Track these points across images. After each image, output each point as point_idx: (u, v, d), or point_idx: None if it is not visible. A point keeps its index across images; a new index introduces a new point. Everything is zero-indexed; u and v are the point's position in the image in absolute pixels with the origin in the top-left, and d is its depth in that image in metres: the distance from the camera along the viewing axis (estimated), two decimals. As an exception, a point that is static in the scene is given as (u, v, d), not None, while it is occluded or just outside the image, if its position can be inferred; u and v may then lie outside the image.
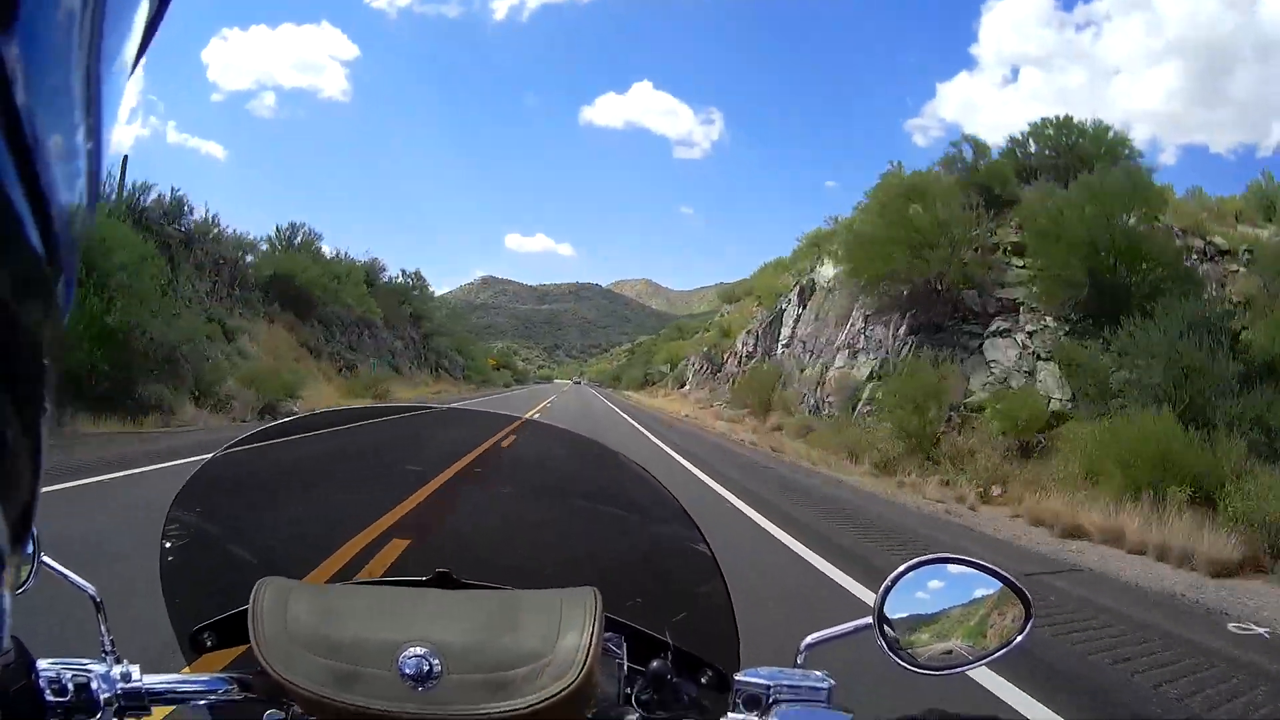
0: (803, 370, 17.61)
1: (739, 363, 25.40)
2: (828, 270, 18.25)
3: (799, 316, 19.83)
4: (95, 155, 0.22)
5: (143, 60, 0.25)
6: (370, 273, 29.01)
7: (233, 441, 1.09)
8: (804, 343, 18.65)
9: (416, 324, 33.97)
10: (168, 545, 0.96)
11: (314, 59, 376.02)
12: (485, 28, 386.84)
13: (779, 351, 20.75)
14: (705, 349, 33.63)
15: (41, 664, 0.72)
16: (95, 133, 0.22)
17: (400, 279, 33.62)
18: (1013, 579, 0.76)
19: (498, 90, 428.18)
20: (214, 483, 1.06)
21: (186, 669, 0.86)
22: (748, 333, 25.74)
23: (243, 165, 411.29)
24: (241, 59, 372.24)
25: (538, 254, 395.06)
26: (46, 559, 0.80)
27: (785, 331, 20.75)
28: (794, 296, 20.67)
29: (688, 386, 33.27)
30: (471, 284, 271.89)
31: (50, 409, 0.21)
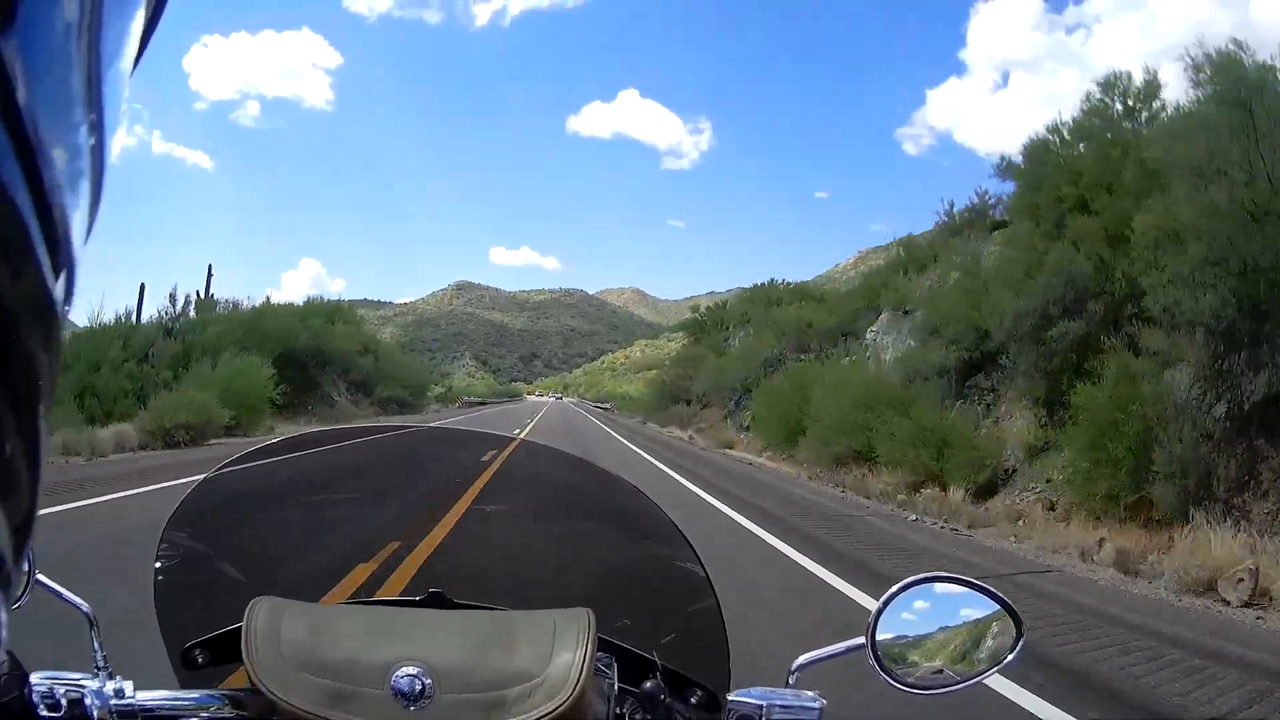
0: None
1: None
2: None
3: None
4: (98, 154, 0.23)
5: (143, 59, 0.26)
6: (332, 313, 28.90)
7: (226, 461, 1.12)
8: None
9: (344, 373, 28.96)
10: (160, 565, 0.99)
11: (296, 66, 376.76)
12: (467, 34, 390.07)
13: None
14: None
15: (35, 678, 0.75)
16: (97, 131, 0.22)
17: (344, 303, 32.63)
18: (1004, 598, 0.79)
19: (481, 99, 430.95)
20: (207, 503, 1.09)
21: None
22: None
23: (230, 175, 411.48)
24: (224, 67, 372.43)
25: (522, 267, 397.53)
26: (40, 576, 0.83)
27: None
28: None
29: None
30: (445, 290, 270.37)
31: (49, 413, 0.22)
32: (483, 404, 63.70)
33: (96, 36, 0.22)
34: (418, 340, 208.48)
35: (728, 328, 34.30)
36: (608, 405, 64.08)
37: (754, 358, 23.21)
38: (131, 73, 0.25)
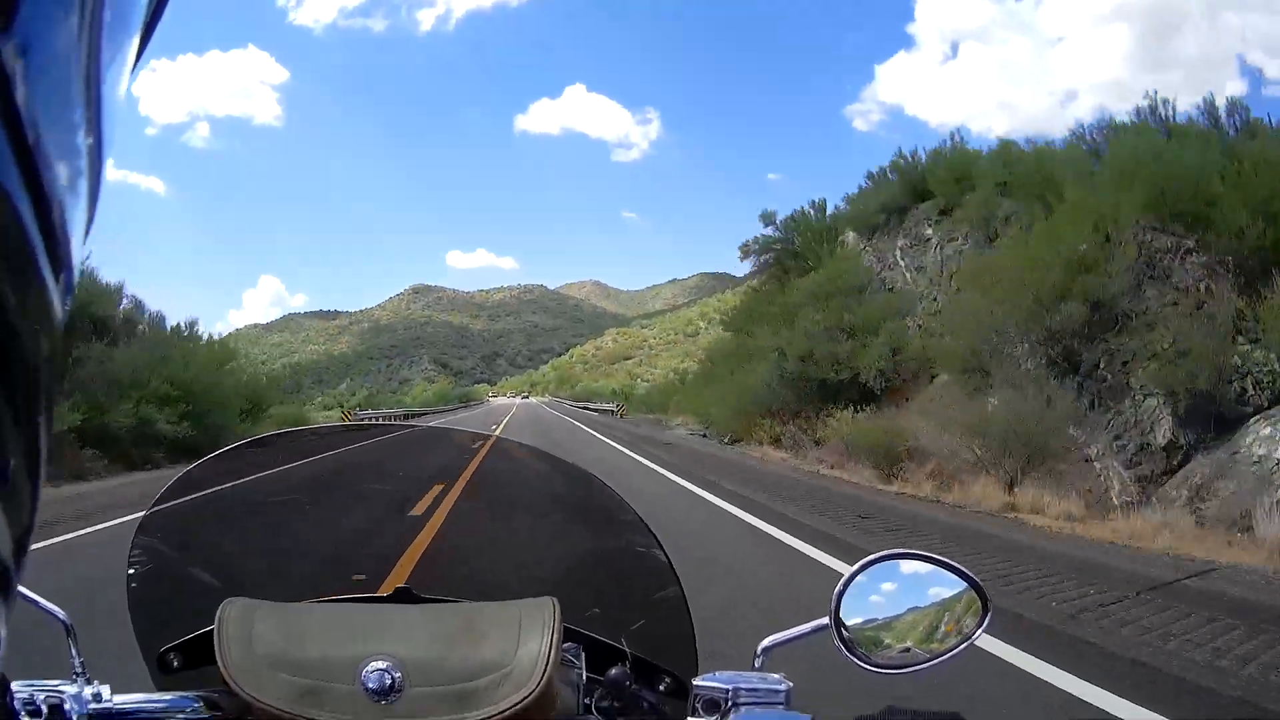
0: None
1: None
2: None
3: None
4: (96, 154, 0.23)
5: (143, 59, 0.26)
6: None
7: (195, 464, 1.13)
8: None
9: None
10: (133, 570, 1.01)
11: (244, 85, 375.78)
12: (413, 41, 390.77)
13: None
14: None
15: (15, 685, 0.77)
16: (96, 131, 0.22)
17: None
18: (968, 573, 0.81)
19: (430, 105, 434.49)
20: (179, 506, 1.10)
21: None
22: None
23: (184, 199, 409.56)
24: (171, 90, 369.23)
25: (480, 269, 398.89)
26: (19, 587, 0.73)
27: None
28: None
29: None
30: (401, 295, 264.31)
31: (50, 416, 0.22)
32: (402, 421, 33.30)
33: (96, 37, 0.22)
34: (374, 348, 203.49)
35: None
36: (613, 408, 42.05)
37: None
38: (132, 72, 0.25)
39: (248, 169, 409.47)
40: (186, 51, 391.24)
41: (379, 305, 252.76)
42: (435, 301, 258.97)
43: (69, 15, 0.21)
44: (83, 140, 0.22)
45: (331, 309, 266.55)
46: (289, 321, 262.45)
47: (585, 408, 50.04)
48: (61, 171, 0.21)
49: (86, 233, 0.23)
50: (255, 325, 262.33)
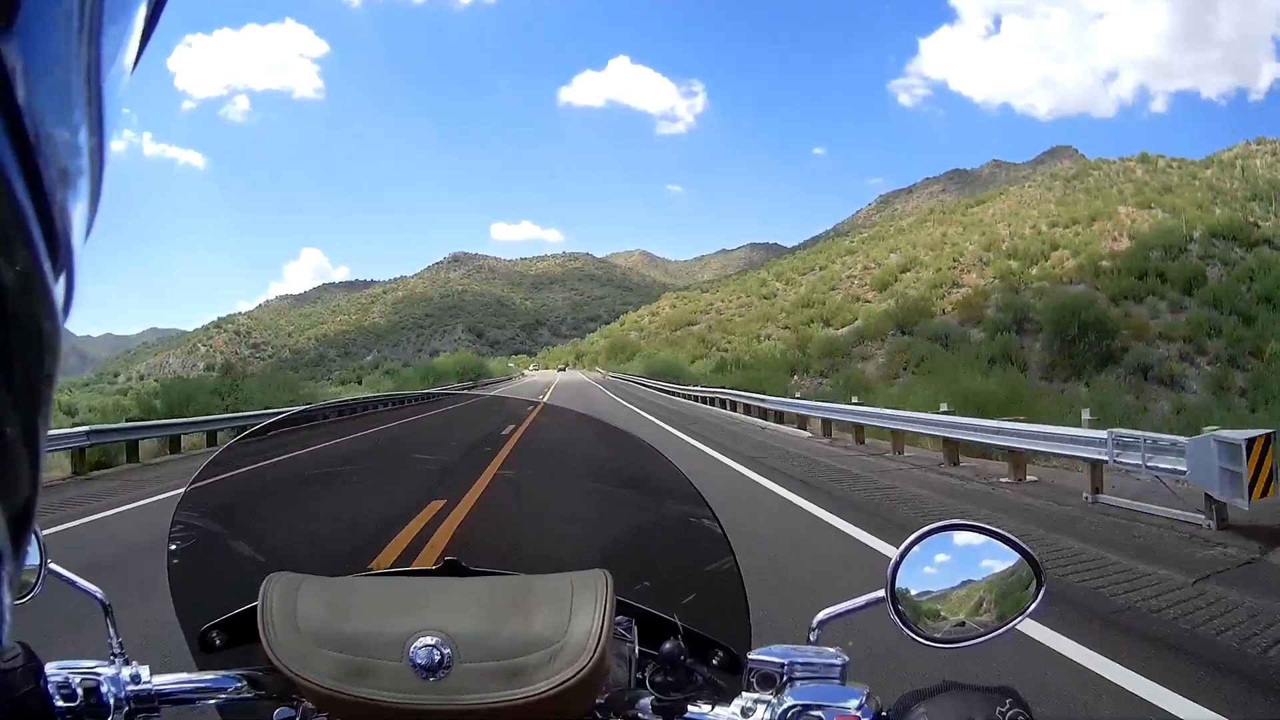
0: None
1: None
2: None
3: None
4: (97, 153, 0.23)
5: (143, 58, 0.26)
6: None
7: (237, 438, 1.15)
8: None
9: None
10: (174, 547, 1.01)
11: (283, 58, 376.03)
12: (452, 12, 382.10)
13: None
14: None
15: (50, 668, 0.77)
16: (97, 130, 0.23)
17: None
18: (1024, 545, 0.80)
19: (471, 77, 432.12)
20: (221, 480, 1.11)
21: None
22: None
23: (224, 172, 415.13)
24: (209, 64, 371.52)
25: (524, 242, 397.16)
26: (53, 565, 0.86)
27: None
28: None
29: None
30: (440, 264, 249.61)
31: (49, 406, 0.22)
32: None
33: (96, 36, 0.22)
34: (408, 318, 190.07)
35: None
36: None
37: None
38: (131, 72, 0.25)
39: (288, 142, 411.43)
40: (223, 26, 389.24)
41: (416, 275, 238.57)
42: (475, 270, 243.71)
43: (69, 14, 0.21)
44: (84, 139, 0.22)
45: (367, 278, 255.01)
46: (322, 292, 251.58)
47: (691, 398, 26.02)
48: (63, 169, 0.21)
49: (88, 231, 0.23)
50: (286, 297, 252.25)
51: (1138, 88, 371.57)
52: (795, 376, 30.37)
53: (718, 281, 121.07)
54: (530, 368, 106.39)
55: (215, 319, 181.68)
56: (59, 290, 0.22)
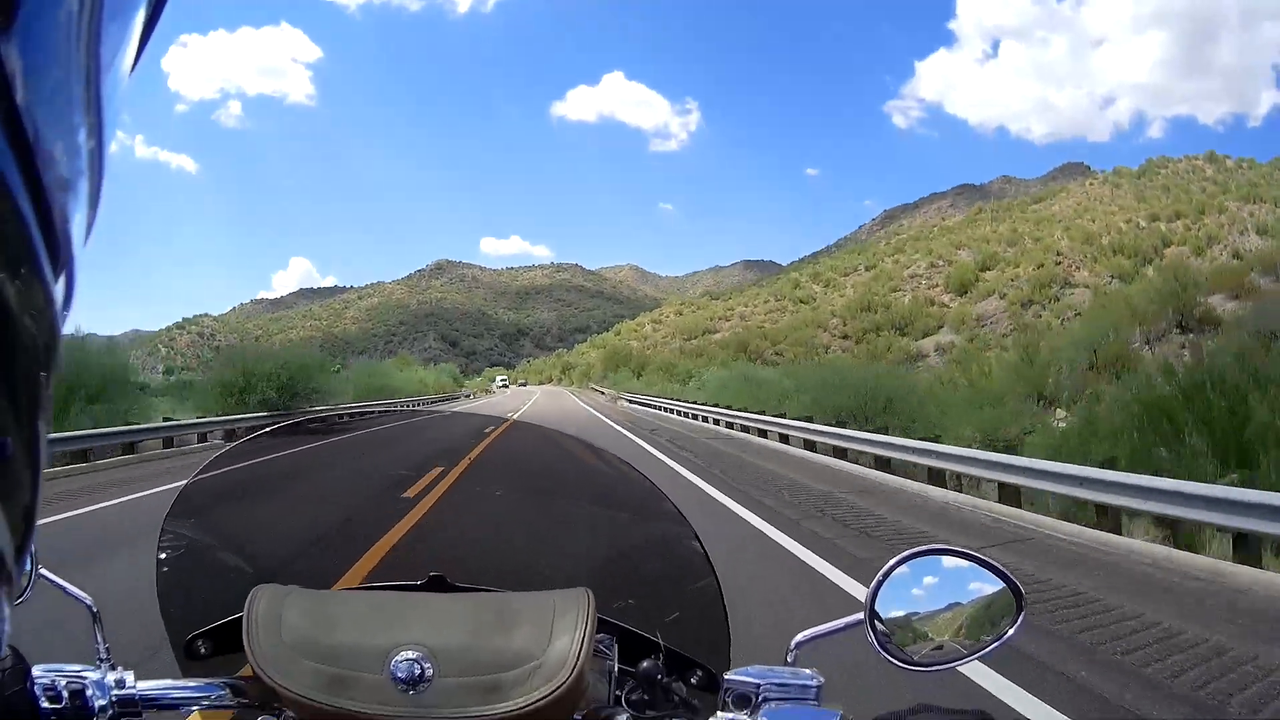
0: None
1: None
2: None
3: None
4: (96, 155, 0.23)
5: (142, 59, 0.26)
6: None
7: (224, 450, 1.17)
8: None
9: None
10: (163, 556, 1.03)
11: (277, 63, 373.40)
12: (448, 22, 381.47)
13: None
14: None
15: (37, 671, 0.79)
16: (96, 132, 0.23)
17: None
18: (1004, 569, 0.82)
19: (465, 88, 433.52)
20: (208, 492, 1.14)
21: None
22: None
23: (215, 177, 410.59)
24: (203, 66, 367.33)
25: (513, 256, 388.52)
26: (43, 571, 0.88)
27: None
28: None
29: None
30: (423, 270, 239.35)
31: (49, 407, 0.22)
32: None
33: (96, 38, 0.22)
34: (381, 325, 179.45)
35: None
36: None
37: None
38: (132, 70, 0.25)
39: (281, 148, 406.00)
40: (218, 28, 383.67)
41: (394, 281, 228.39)
42: (458, 280, 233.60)
43: (69, 15, 0.21)
44: (83, 140, 0.22)
45: (346, 285, 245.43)
46: (299, 298, 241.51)
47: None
48: (62, 171, 0.21)
49: (88, 233, 0.24)
50: (262, 300, 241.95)
51: (1135, 113, 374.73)
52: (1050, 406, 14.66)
53: (731, 291, 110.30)
54: (496, 383, 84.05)
55: (180, 319, 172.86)
56: (59, 293, 0.22)
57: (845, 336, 41.67)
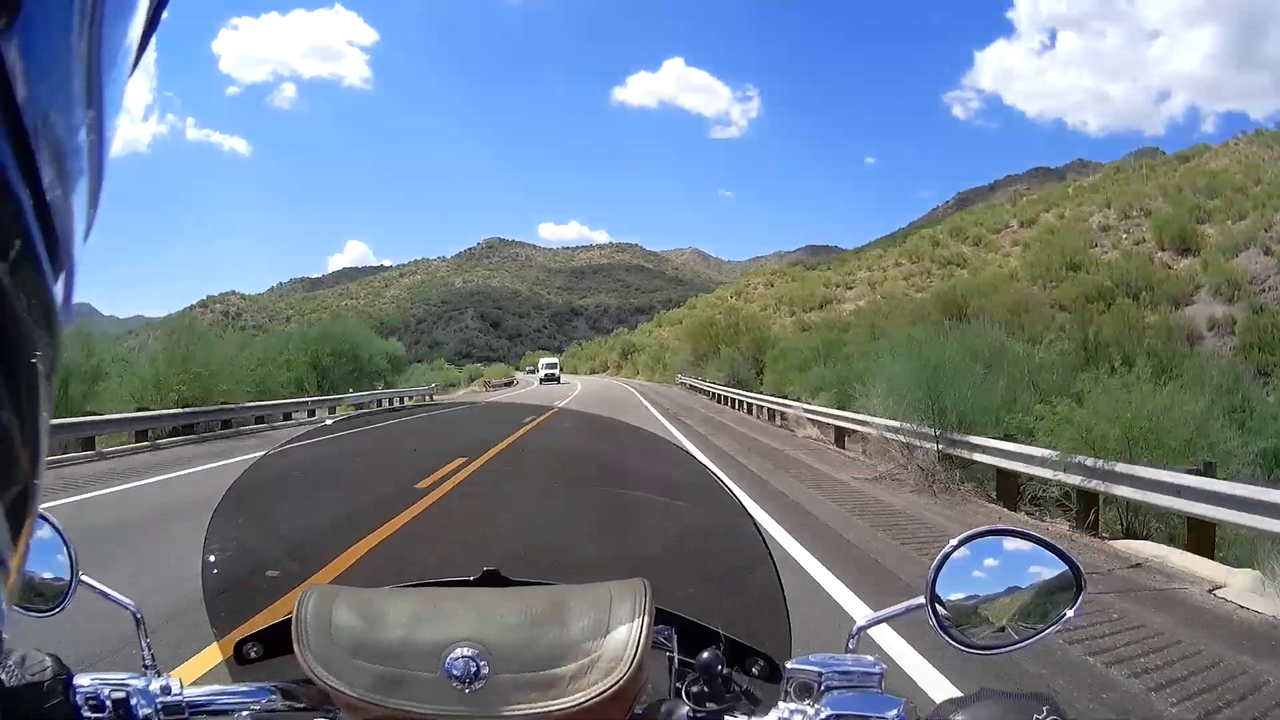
0: None
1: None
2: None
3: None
4: (97, 152, 0.23)
5: (143, 59, 0.27)
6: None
7: (269, 451, 1.19)
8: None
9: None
10: (210, 558, 1.03)
11: (332, 45, 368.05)
12: (506, 6, 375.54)
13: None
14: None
15: (79, 680, 0.80)
16: (97, 130, 0.23)
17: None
18: (1063, 549, 0.82)
19: (524, 72, 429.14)
20: (255, 491, 1.15)
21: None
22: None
23: (269, 160, 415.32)
24: (255, 49, 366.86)
25: (572, 240, 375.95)
26: (85, 577, 0.88)
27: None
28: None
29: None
30: (474, 248, 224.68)
31: (49, 403, 0.23)
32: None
33: (97, 36, 0.22)
34: (421, 303, 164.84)
35: None
36: None
37: None
38: (133, 70, 0.26)
39: (336, 131, 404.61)
40: (270, 10, 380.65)
41: (441, 259, 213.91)
42: (510, 259, 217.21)
43: (70, 15, 0.21)
44: (84, 139, 0.23)
45: (381, 264, 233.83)
46: (341, 277, 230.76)
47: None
48: (62, 171, 0.22)
49: (88, 231, 0.24)
50: (302, 279, 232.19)
51: (1189, 107, 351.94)
52: None
53: (845, 256, 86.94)
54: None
55: (204, 298, 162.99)
56: (59, 290, 0.22)
57: (1059, 306, 26.19)
